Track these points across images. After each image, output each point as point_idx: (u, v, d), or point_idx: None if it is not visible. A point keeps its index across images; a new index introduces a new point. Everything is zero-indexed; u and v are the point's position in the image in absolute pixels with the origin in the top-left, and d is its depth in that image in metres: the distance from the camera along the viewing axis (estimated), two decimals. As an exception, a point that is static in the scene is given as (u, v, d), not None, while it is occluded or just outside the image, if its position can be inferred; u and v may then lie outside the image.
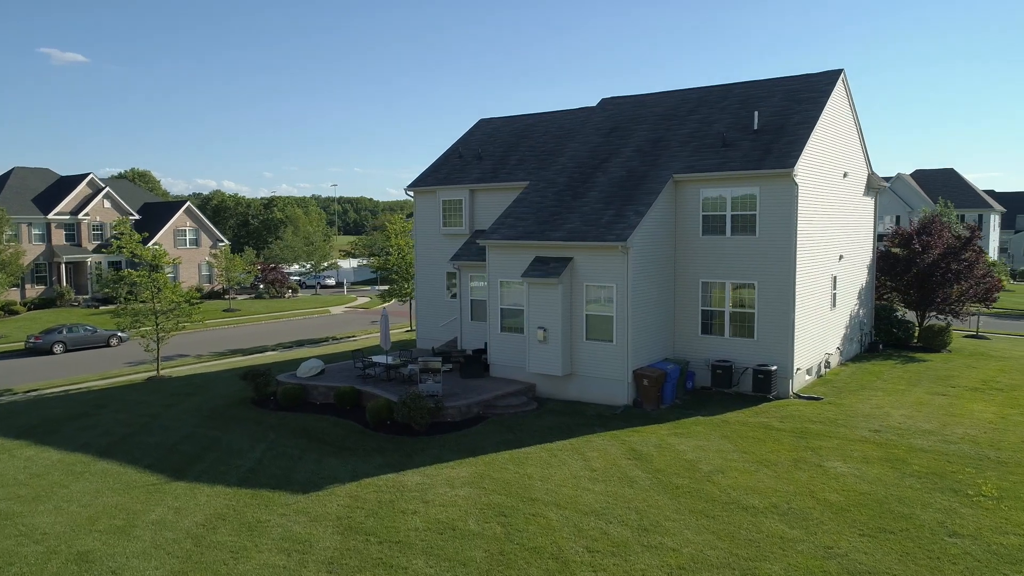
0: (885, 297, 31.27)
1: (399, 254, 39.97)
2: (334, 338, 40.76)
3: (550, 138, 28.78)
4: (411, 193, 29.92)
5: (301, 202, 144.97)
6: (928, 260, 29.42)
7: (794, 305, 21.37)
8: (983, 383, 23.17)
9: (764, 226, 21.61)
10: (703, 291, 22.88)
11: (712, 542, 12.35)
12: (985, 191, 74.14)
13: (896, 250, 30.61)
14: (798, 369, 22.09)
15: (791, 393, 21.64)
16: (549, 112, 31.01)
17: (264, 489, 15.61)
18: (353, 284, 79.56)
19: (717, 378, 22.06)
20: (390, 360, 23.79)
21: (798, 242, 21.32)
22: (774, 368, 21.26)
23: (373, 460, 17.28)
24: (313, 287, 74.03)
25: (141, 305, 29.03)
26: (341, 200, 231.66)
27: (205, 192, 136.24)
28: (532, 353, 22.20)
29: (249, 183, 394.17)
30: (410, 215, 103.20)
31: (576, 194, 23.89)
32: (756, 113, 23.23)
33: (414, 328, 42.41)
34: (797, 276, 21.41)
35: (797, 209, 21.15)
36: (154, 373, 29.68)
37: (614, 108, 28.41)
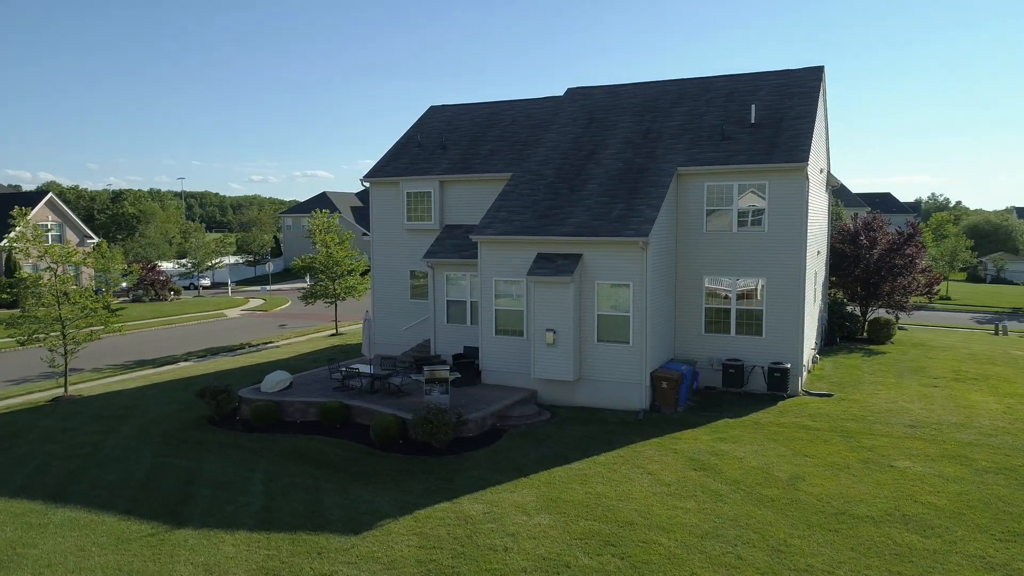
0: (829, 292, 32.18)
1: (326, 252, 36.74)
2: (250, 345, 36.75)
3: (520, 127, 27.13)
4: (367, 184, 27.21)
5: (156, 195, 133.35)
6: (875, 256, 30.53)
7: (803, 301, 21.11)
8: (956, 373, 24.05)
9: (773, 221, 21.18)
10: (707, 288, 22.18)
11: (862, 560, 11.37)
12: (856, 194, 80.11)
13: (841, 246, 31.56)
14: (803, 366, 21.88)
15: (800, 391, 21.37)
16: (511, 100, 29.33)
17: (302, 532, 13.01)
18: (236, 284, 73.57)
19: (728, 378, 21.40)
20: (373, 370, 21.26)
21: (807, 237, 21.09)
22: (788, 366, 20.87)
23: (410, 487, 15.01)
24: (190, 288, 67.64)
25: (44, 311, 24.45)
26: (184, 194, 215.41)
27: (24, 186, 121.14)
28: (538, 357, 20.53)
29: (70, 175, 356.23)
30: (289, 211, 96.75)
31: (572, 187, 22.44)
32: (753, 107, 22.83)
33: (341, 332, 39.31)
34: (805, 271, 21.19)
35: (807, 203, 20.90)
36: (60, 392, 25.11)
37: (585, 98, 27.20)
